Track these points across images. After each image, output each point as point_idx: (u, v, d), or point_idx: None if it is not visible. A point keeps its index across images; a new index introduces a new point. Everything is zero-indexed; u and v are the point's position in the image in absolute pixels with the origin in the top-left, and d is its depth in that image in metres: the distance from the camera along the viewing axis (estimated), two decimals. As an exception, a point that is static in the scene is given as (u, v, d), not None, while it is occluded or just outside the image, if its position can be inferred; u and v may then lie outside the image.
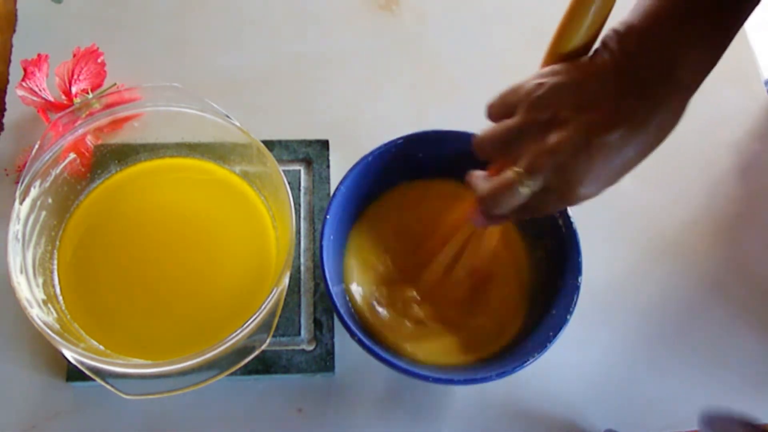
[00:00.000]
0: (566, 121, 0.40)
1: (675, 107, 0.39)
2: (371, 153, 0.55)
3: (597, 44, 0.42)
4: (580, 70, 0.41)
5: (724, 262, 0.63)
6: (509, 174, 0.42)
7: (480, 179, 0.45)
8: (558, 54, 0.42)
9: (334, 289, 0.51)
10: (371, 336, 0.52)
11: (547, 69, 0.42)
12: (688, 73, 0.39)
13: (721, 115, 0.71)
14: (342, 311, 0.49)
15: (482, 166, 0.47)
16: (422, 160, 0.57)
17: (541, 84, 0.41)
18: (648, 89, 0.39)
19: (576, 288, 0.51)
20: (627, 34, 0.39)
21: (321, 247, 0.51)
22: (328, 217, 0.53)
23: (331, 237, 0.53)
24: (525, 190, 0.42)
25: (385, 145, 0.56)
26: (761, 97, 0.72)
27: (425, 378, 0.47)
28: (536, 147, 0.41)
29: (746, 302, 0.62)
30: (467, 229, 0.53)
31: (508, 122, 0.42)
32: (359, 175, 0.55)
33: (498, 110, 0.44)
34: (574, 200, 0.42)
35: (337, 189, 0.54)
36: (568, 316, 0.50)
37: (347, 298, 0.55)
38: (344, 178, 0.54)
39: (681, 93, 0.39)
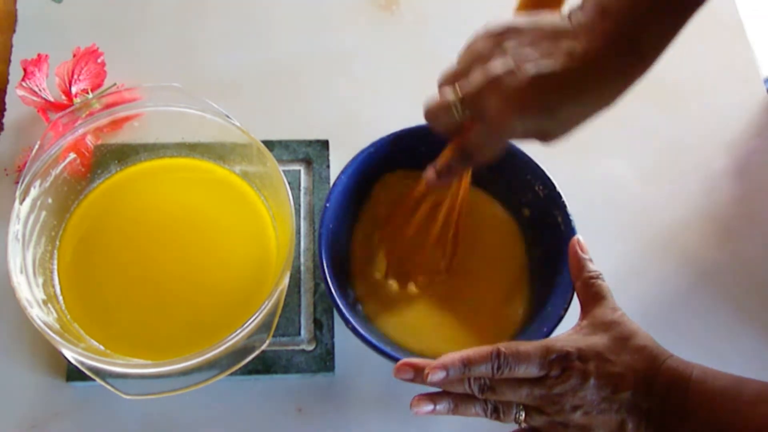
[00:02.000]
0: (512, 52, 0.41)
1: (627, 75, 0.40)
2: (373, 144, 0.56)
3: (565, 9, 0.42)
4: (542, 18, 0.42)
5: (723, 261, 0.63)
6: (449, 94, 0.44)
7: (430, 98, 0.47)
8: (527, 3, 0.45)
9: (332, 281, 0.51)
10: (369, 329, 0.52)
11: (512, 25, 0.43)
12: (649, 45, 0.39)
13: (721, 114, 0.71)
14: (339, 303, 0.50)
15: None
16: (424, 154, 0.58)
17: (501, 21, 0.43)
18: (602, 61, 0.39)
19: (571, 285, 0.51)
20: (596, 8, 0.40)
21: (320, 234, 0.52)
22: (327, 205, 0.53)
23: (330, 226, 0.54)
24: (457, 114, 0.43)
25: (387, 137, 0.56)
26: (761, 96, 0.72)
27: None
28: (476, 74, 0.42)
29: (746, 301, 0.61)
30: (429, 200, 0.54)
31: (464, 56, 0.45)
32: (361, 165, 0.56)
33: (466, 46, 0.45)
34: (504, 131, 0.42)
35: (338, 178, 0.55)
36: (563, 313, 0.50)
37: (346, 290, 0.55)
38: (345, 168, 0.55)
39: (637, 63, 0.40)
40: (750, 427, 0.40)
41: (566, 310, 0.50)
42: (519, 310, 0.55)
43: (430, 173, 0.48)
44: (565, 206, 0.55)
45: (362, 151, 0.56)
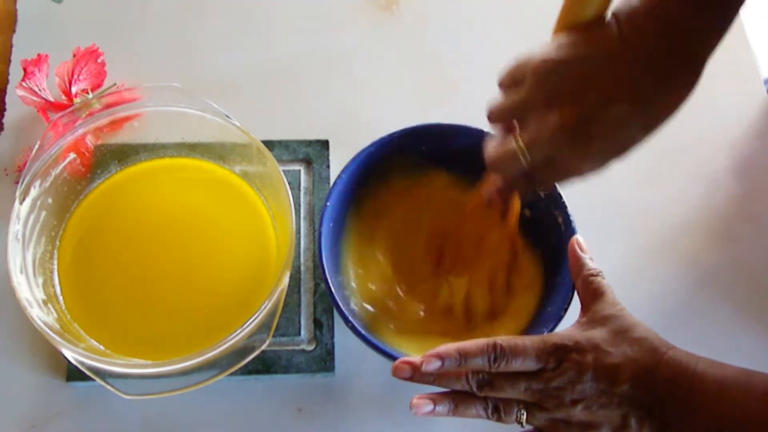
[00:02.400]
0: (569, 97, 0.41)
1: (684, 82, 0.39)
2: (373, 143, 0.56)
3: (607, 16, 0.41)
4: (588, 43, 0.41)
5: (724, 261, 0.63)
6: (512, 143, 0.44)
7: (491, 143, 0.47)
8: (568, 24, 0.42)
9: (332, 279, 0.51)
10: (368, 328, 0.52)
11: (555, 43, 0.42)
12: (698, 45, 0.39)
13: (721, 114, 0.71)
14: (338, 300, 0.50)
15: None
16: (425, 154, 0.57)
17: (546, 60, 0.41)
18: (656, 63, 0.39)
19: (571, 286, 0.51)
20: (636, 8, 0.39)
21: (320, 233, 0.52)
22: (328, 204, 0.53)
23: (331, 224, 0.54)
24: (524, 161, 0.43)
25: (388, 136, 0.56)
26: (761, 96, 0.72)
27: None
28: (539, 122, 0.42)
29: (745, 301, 0.61)
30: (482, 226, 0.55)
31: (515, 97, 0.44)
32: (362, 164, 0.56)
33: (508, 84, 0.45)
34: (576, 175, 0.43)
35: (338, 177, 0.55)
36: (562, 313, 0.50)
37: (345, 288, 0.55)
38: (346, 166, 0.55)
39: (689, 68, 0.39)
40: (763, 418, 0.40)
41: (566, 310, 0.50)
42: (520, 310, 0.55)
43: (489, 187, 0.50)
44: (565, 206, 0.54)
45: (362, 151, 0.56)
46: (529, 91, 0.42)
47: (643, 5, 0.39)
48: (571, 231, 0.53)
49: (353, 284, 0.55)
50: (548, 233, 0.55)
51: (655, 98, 0.40)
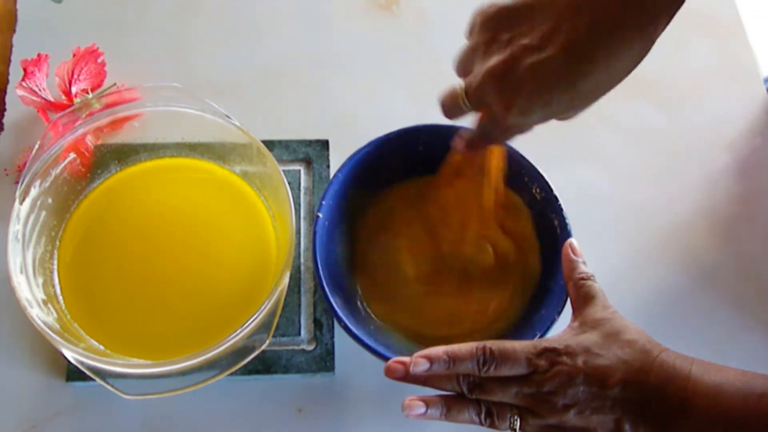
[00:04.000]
0: (506, 44, 0.41)
1: (637, 41, 0.38)
2: (370, 143, 0.56)
3: None
4: (542, 10, 0.41)
5: (723, 261, 0.63)
6: (456, 88, 0.45)
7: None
8: None
9: (326, 280, 0.51)
10: (375, 328, 0.53)
11: None
12: (657, 2, 0.37)
13: (721, 114, 0.71)
14: (333, 302, 0.50)
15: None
16: (423, 154, 0.57)
17: (491, 6, 0.42)
18: (598, 17, 0.38)
19: (565, 288, 0.50)
20: None
21: (314, 232, 0.52)
22: (323, 203, 0.54)
23: (326, 224, 0.54)
24: (464, 106, 0.45)
25: (385, 135, 0.57)
26: (761, 96, 0.72)
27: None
28: (477, 68, 0.43)
29: (745, 301, 0.61)
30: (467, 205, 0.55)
31: (466, 45, 0.45)
32: (359, 164, 0.56)
33: (467, 34, 0.46)
34: (509, 124, 0.43)
35: (334, 176, 0.55)
36: (556, 316, 0.50)
37: (351, 289, 0.55)
38: (342, 165, 0.56)
39: (645, 26, 0.38)
40: (760, 421, 0.39)
41: (560, 313, 0.50)
42: (512, 313, 0.55)
43: (458, 142, 0.50)
44: (561, 209, 0.54)
45: (359, 150, 0.56)
46: (474, 37, 0.44)
47: None
48: (567, 233, 0.53)
49: (360, 285, 0.56)
50: (545, 236, 0.55)
51: (590, 55, 0.38)
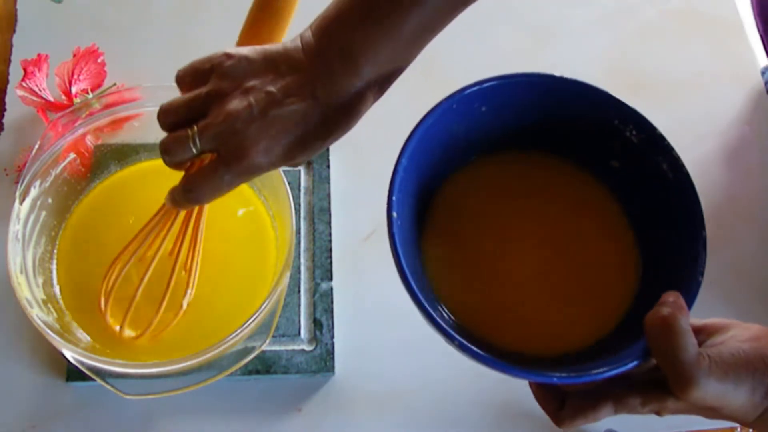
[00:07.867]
0: (249, 90, 0.42)
1: (358, 97, 0.42)
2: (451, 97, 0.48)
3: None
4: (272, 50, 0.43)
5: (722, 260, 0.63)
6: (186, 130, 0.43)
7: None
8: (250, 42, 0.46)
9: (406, 261, 0.39)
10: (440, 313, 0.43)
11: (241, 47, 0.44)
12: (371, 66, 0.41)
13: (721, 114, 0.71)
14: (413, 285, 0.38)
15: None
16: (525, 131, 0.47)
17: (231, 55, 0.43)
18: (333, 76, 0.41)
19: (698, 237, 0.41)
20: (318, 27, 0.42)
21: (392, 234, 0.40)
22: (393, 199, 0.41)
23: (400, 222, 0.41)
24: (195, 148, 0.43)
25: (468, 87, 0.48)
26: (761, 96, 0.72)
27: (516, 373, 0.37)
28: (216, 111, 0.42)
29: (745, 300, 0.61)
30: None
31: (197, 90, 0.44)
32: (423, 142, 0.46)
33: (190, 78, 0.45)
34: (245, 167, 0.43)
35: (398, 162, 0.44)
36: (700, 278, 0.41)
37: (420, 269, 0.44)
38: (404, 148, 0.45)
39: (364, 86, 0.42)
40: None
41: (702, 273, 0.41)
42: (619, 312, 0.44)
43: (169, 197, 0.47)
44: (671, 149, 0.43)
45: (440, 104, 0.48)
46: (213, 83, 0.43)
47: (328, 19, 0.42)
48: (683, 178, 0.42)
49: (426, 262, 0.45)
50: (649, 186, 0.45)
51: (328, 104, 0.42)
